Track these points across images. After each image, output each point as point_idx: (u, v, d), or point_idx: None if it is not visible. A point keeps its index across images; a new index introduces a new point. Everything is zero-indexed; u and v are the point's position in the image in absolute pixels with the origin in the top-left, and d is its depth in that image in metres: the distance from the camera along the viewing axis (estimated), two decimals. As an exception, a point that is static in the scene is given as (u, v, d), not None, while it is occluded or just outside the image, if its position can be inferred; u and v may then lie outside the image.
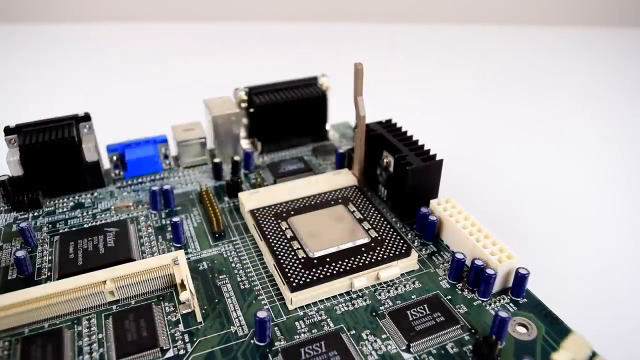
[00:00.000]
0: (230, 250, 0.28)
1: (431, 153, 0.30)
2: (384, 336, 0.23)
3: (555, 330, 0.23)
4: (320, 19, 0.90)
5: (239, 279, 0.26)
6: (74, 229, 0.29)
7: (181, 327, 0.23)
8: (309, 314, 0.24)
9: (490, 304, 0.24)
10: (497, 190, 0.38)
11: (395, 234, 0.27)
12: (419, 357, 0.22)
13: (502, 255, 0.25)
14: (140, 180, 0.34)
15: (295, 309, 0.24)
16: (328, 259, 0.25)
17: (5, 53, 0.77)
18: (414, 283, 0.26)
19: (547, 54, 0.70)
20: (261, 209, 0.29)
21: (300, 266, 0.25)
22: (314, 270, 0.25)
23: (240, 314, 0.24)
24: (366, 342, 0.22)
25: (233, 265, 0.27)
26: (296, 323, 0.23)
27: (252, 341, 0.22)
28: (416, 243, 0.28)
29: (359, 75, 0.28)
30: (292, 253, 0.26)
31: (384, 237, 0.27)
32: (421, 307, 0.24)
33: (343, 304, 0.24)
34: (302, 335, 0.23)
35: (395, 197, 0.31)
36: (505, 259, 0.24)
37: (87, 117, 0.32)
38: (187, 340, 0.22)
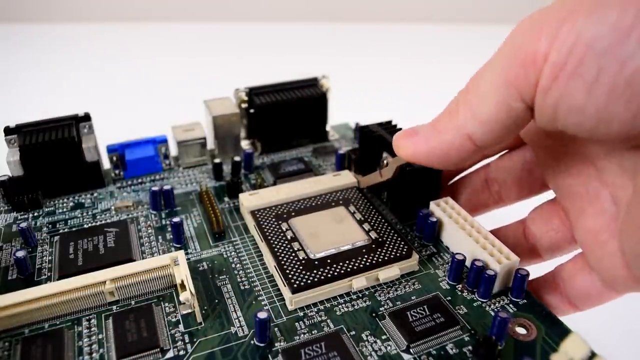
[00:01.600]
0: (230, 251, 0.28)
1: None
2: (383, 337, 0.23)
3: (555, 331, 0.23)
4: (320, 19, 0.90)
5: (239, 280, 0.26)
6: (74, 229, 0.29)
7: (181, 327, 0.23)
8: (309, 314, 0.24)
9: (490, 305, 0.24)
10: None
11: (396, 235, 0.27)
12: (418, 357, 0.22)
13: (502, 256, 0.25)
14: (140, 180, 0.34)
15: (295, 309, 0.24)
16: (329, 260, 0.25)
17: (5, 53, 0.77)
18: (414, 284, 0.26)
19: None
20: (262, 210, 0.29)
21: (301, 267, 0.25)
22: (315, 271, 0.25)
23: (240, 314, 0.24)
24: (366, 342, 0.22)
25: (233, 265, 0.27)
26: (296, 324, 0.23)
27: (252, 342, 0.22)
28: (416, 244, 0.28)
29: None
30: (293, 254, 0.26)
31: (384, 238, 0.27)
32: (421, 308, 0.24)
33: (343, 305, 0.24)
34: (302, 335, 0.23)
35: (395, 199, 0.31)
36: (505, 260, 0.24)
37: (87, 117, 0.32)
38: (187, 341, 0.22)
